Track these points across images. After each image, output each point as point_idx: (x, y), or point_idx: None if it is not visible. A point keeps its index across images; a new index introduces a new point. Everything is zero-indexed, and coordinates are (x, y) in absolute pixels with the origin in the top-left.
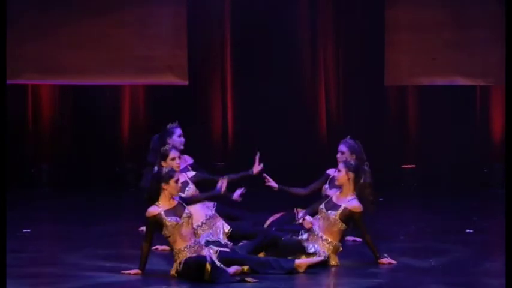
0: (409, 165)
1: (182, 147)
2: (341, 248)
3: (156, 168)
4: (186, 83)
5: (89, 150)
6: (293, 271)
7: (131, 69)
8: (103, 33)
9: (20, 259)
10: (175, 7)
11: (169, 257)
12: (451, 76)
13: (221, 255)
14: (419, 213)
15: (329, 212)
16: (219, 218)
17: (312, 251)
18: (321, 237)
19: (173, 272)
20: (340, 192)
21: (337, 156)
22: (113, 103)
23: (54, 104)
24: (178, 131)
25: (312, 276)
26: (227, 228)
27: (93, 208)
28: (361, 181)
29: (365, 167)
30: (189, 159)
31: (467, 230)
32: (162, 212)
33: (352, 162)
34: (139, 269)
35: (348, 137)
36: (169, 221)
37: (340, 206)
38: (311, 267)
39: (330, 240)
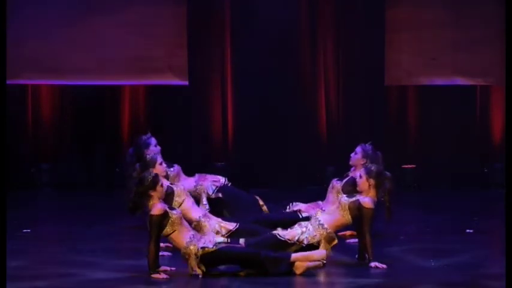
0: (409, 165)
1: (160, 155)
2: (336, 241)
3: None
4: (186, 83)
5: (89, 150)
6: (290, 272)
7: (131, 69)
8: (103, 33)
9: (20, 259)
10: (175, 7)
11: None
12: (451, 76)
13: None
14: (419, 213)
15: (343, 196)
16: (213, 217)
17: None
18: (319, 220)
19: (197, 270)
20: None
21: (350, 154)
22: (113, 103)
23: (54, 104)
24: (153, 141)
25: (310, 276)
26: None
27: (93, 208)
28: (384, 187)
29: (387, 173)
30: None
31: (467, 230)
32: (167, 208)
33: (373, 168)
34: (151, 273)
35: (370, 142)
36: (174, 213)
37: (355, 196)
38: (309, 269)
39: (325, 226)
